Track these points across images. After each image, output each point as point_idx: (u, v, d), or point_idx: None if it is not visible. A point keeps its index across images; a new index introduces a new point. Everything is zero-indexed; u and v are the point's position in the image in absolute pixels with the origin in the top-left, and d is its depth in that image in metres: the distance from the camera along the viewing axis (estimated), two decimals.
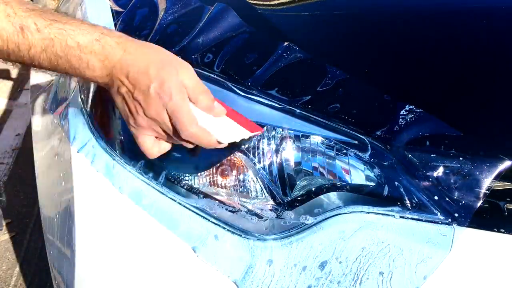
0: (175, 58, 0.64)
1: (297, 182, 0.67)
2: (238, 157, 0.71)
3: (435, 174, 0.64)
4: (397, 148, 0.66)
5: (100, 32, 0.61)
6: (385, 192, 0.66)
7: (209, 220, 0.70)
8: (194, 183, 0.72)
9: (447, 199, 0.63)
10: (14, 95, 2.75)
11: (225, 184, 0.69)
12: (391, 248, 0.62)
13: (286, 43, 0.80)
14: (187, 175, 0.73)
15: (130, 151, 0.77)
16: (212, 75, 0.77)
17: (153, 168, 0.75)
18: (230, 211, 0.70)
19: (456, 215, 0.63)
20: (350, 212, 0.65)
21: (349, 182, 0.66)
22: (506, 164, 0.63)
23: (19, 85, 2.85)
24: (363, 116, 0.70)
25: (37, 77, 1.31)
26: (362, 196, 0.67)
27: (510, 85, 0.77)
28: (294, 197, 0.67)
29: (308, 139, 0.68)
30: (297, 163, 0.68)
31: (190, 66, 0.64)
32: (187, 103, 0.61)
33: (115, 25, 0.89)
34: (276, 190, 0.67)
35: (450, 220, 0.63)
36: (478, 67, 0.81)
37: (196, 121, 0.61)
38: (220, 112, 0.64)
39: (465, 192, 0.63)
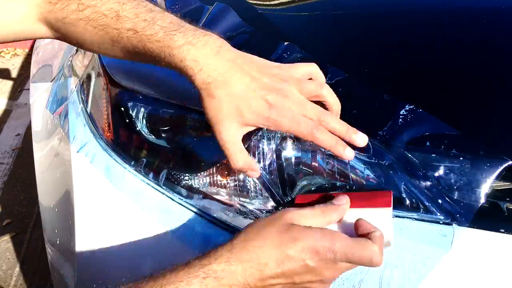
0: (273, 221, 0.54)
1: (297, 182, 0.67)
2: None
3: (435, 174, 0.64)
4: (397, 148, 0.66)
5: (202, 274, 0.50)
6: None
7: (209, 220, 0.70)
8: (194, 183, 0.72)
9: (447, 199, 0.63)
10: (14, 95, 2.75)
11: (225, 184, 0.69)
12: (390, 248, 0.62)
13: (286, 43, 0.80)
14: (187, 175, 0.73)
15: (130, 151, 0.77)
16: None
17: (153, 168, 0.75)
18: (230, 211, 0.70)
19: (457, 215, 0.63)
20: None
21: (349, 182, 0.66)
22: (506, 164, 0.62)
23: (19, 85, 2.86)
24: (363, 116, 0.70)
25: (37, 77, 1.31)
26: None
27: (510, 85, 0.77)
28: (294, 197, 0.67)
29: None
30: (297, 163, 0.68)
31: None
32: (347, 239, 0.53)
33: None
34: (276, 190, 0.67)
35: (450, 220, 0.63)
36: (479, 67, 0.81)
37: (373, 244, 0.52)
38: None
39: (465, 192, 0.63)
